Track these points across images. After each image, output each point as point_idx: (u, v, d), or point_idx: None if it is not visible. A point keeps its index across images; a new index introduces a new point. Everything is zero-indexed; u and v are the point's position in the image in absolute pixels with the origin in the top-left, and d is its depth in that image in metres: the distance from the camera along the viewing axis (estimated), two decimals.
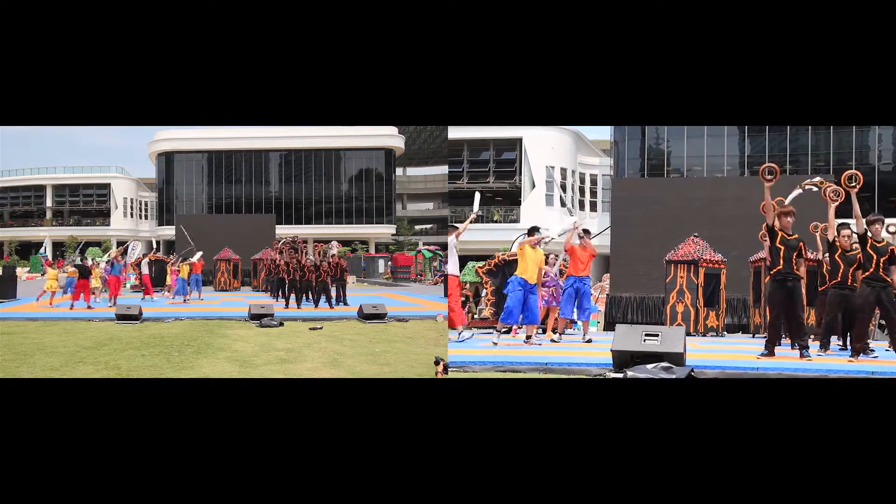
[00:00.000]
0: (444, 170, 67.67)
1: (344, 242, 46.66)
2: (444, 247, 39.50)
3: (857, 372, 6.69)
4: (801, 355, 7.58)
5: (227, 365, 8.21)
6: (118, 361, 8.41)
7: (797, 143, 31.74)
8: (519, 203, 36.55)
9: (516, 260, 10.44)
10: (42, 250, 44.00)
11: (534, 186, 35.90)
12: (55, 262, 34.11)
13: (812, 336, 8.65)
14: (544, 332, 10.96)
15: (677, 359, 6.33)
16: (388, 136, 57.07)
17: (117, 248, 25.58)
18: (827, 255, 8.49)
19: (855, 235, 7.85)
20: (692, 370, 6.29)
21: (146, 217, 62.70)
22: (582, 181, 36.77)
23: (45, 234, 59.42)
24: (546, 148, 35.56)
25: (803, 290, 7.92)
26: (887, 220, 8.19)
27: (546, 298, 10.97)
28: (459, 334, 10.21)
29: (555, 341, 10.12)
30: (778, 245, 7.70)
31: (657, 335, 6.56)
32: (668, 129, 32.91)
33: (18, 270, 29.27)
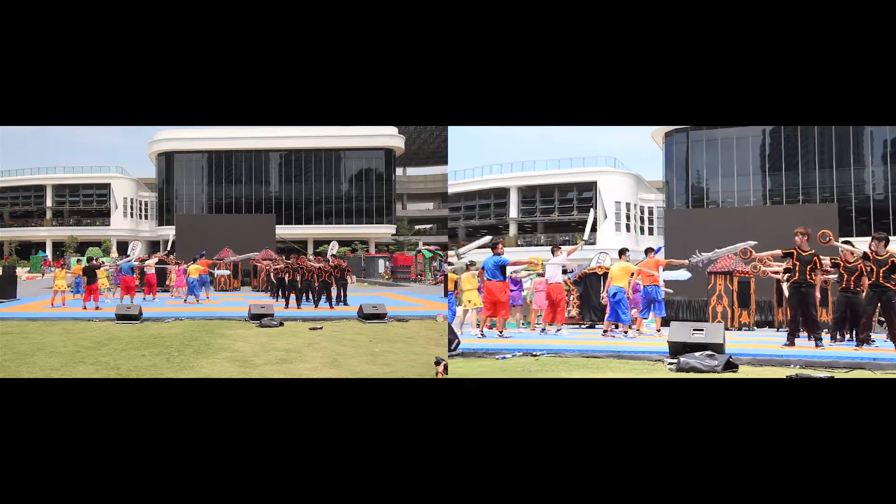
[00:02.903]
0: (444, 170, 67.74)
1: (344, 242, 46.74)
2: (444, 247, 39.89)
3: (861, 358, 8.05)
4: (816, 345, 9.48)
5: (227, 365, 8.21)
6: (118, 361, 8.41)
7: (807, 180, 41.00)
8: (595, 230, 48.28)
9: (594, 273, 15.56)
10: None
11: (605, 217, 49.12)
12: (55, 261, 34.12)
13: (826, 330, 10.66)
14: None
15: (718, 348, 7.89)
16: (388, 136, 57.07)
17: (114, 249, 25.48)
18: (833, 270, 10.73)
19: (857, 252, 9.89)
20: (730, 357, 7.74)
21: (146, 217, 62.67)
22: (642, 212, 51.64)
23: (45, 234, 59.42)
24: (615, 188, 49.87)
25: (817, 294, 10.26)
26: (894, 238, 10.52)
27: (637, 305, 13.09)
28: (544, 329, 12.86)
29: (632, 337, 11.94)
30: (795, 260, 9.83)
31: (702, 330, 8.22)
32: (707, 170, 44.14)
33: (18, 270, 29.24)
